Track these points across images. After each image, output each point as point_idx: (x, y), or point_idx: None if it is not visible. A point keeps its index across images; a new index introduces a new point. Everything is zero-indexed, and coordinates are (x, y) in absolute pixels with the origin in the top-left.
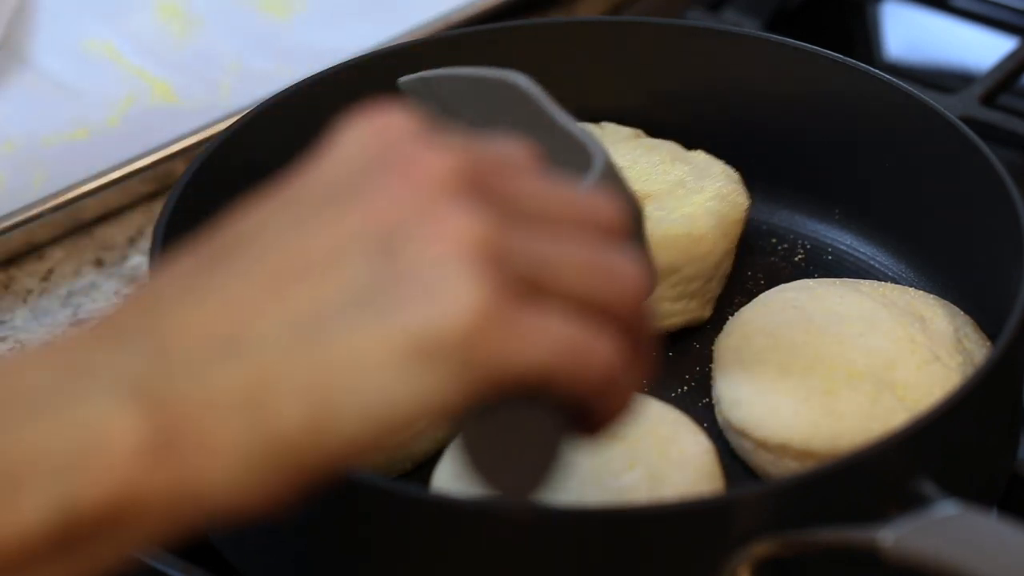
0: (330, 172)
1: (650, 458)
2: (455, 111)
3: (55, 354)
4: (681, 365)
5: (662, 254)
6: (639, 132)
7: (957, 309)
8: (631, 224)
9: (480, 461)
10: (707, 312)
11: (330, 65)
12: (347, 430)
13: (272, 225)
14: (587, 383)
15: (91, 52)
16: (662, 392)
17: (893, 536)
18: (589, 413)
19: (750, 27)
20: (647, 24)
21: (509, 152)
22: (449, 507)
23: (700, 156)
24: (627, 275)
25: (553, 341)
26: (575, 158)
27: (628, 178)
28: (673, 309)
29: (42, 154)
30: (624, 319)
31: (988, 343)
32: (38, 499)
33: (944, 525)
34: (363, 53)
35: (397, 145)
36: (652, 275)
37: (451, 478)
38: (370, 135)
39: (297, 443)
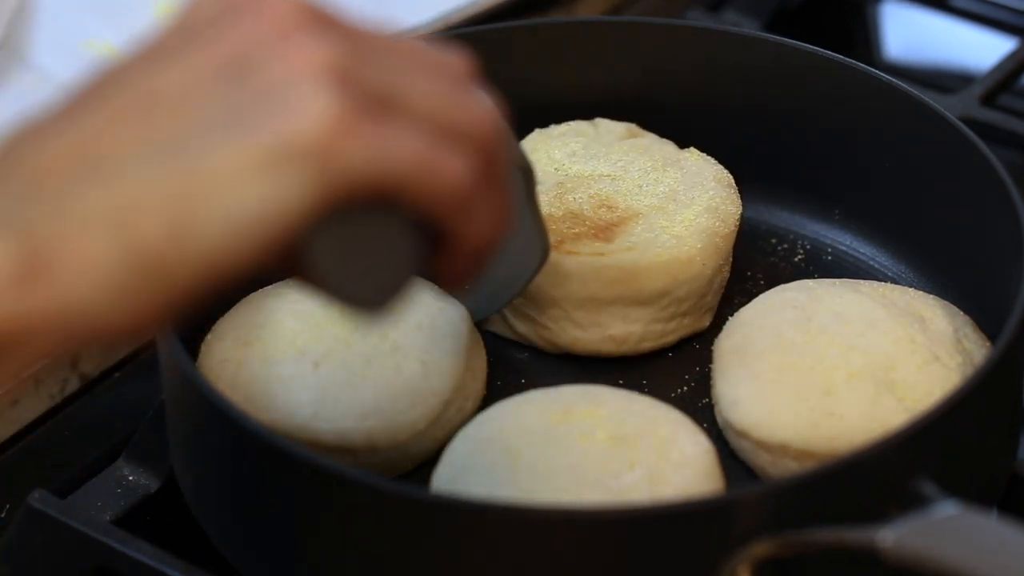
0: (190, 18)
1: (650, 458)
2: None
3: None
4: (681, 365)
5: (653, 279)
6: (633, 128)
7: (957, 309)
8: (478, 73)
9: (331, 269)
10: (705, 322)
11: None
12: (210, 240)
13: (135, 68)
14: (438, 197)
15: (91, 52)
16: (662, 392)
17: (893, 536)
18: (450, 236)
19: (750, 27)
20: (647, 24)
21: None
22: (449, 507)
23: (692, 157)
24: (477, 103)
25: (402, 149)
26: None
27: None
28: (668, 328)
29: None
30: (476, 145)
31: (988, 343)
32: None
33: (944, 525)
34: None
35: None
36: (502, 113)
37: (451, 478)
38: None
39: (161, 255)
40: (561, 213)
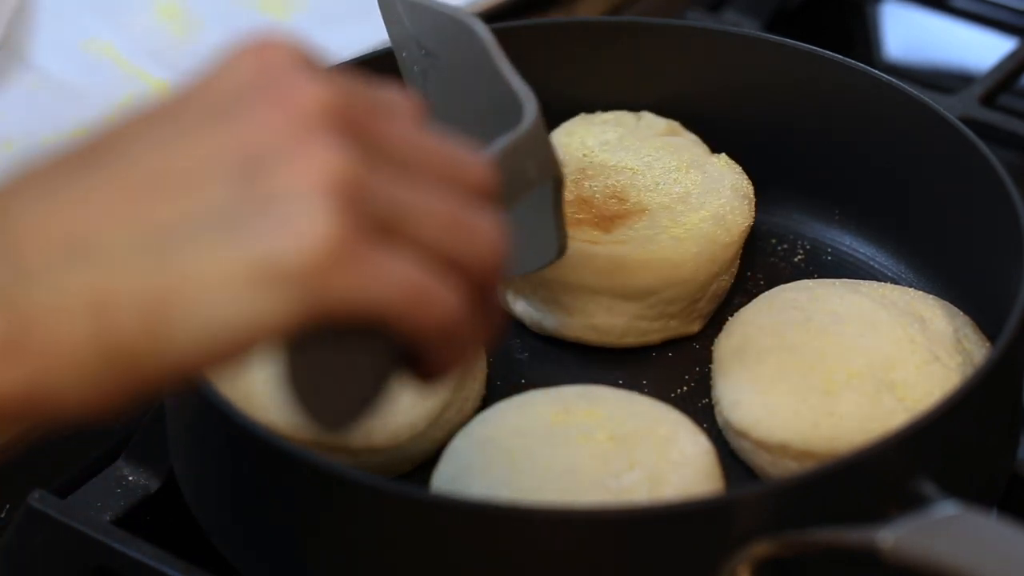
0: (209, 92)
1: (650, 458)
2: (416, 37)
3: None
4: (681, 365)
5: (640, 276)
6: (675, 125)
7: (957, 309)
8: (499, 188)
9: (301, 386)
10: (694, 328)
11: (330, 65)
12: (182, 343)
13: (143, 138)
14: (425, 329)
15: (91, 52)
16: (662, 392)
17: (893, 536)
18: (424, 359)
19: (750, 27)
20: (647, 24)
21: (391, 98)
22: (449, 507)
23: (719, 163)
24: (483, 234)
25: (398, 282)
26: (509, 112)
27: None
28: (652, 327)
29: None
30: (474, 276)
31: (988, 343)
32: None
33: (944, 525)
34: (363, 53)
35: (276, 72)
36: (508, 241)
37: (451, 478)
38: (253, 59)
39: (134, 350)
40: (572, 197)
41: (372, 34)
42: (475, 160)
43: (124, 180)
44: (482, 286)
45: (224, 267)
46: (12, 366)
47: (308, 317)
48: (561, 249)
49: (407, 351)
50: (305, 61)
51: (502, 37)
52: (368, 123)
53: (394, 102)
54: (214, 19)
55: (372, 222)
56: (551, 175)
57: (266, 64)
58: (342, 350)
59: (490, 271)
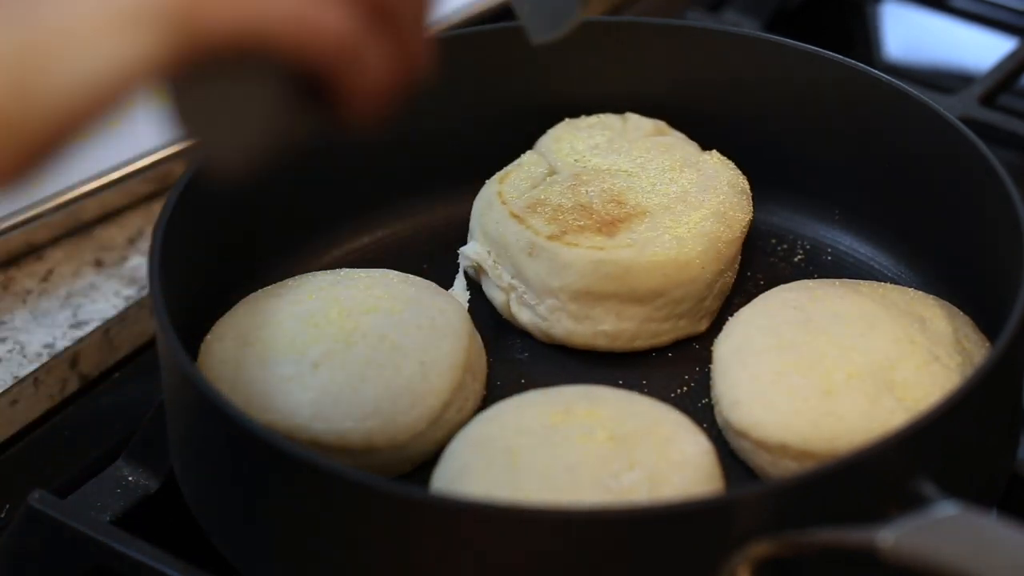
0: None
1: (650, 458)
2: None
3: None
4: (681, 365)
5: (649, 278)
6: (661, 125)
7: (957, 309)
8: None
9: (192, 121)
10: (702, 327)
11: None
12: (55, 96)
13: None
14: (315, 52)
15: None
16: (662, 392)
17: (893, 536)
18: (339, 87)
19: (750, 27)
20: (647, 24)
21: None
22: (449, 507)
23: (712, 160)
24: None
25: (271, 8)
26: None
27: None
28: (661, 329)
29: None
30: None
31: (988, 343)
32: None
33: (944, 525)
34: None
35: None
36: None
37: (451, 478)
38: None
39: (4, 110)
40: (571, 204)
41: None
42: None
43: None
44: (381, 6)
45: (91, 14)
46: None
47: (183, 53)
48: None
49: (313, 82)
50: None
51: (502, 37)
52: None
53: None
54: None
55: None
56: None
57: None
58: (229, 81)
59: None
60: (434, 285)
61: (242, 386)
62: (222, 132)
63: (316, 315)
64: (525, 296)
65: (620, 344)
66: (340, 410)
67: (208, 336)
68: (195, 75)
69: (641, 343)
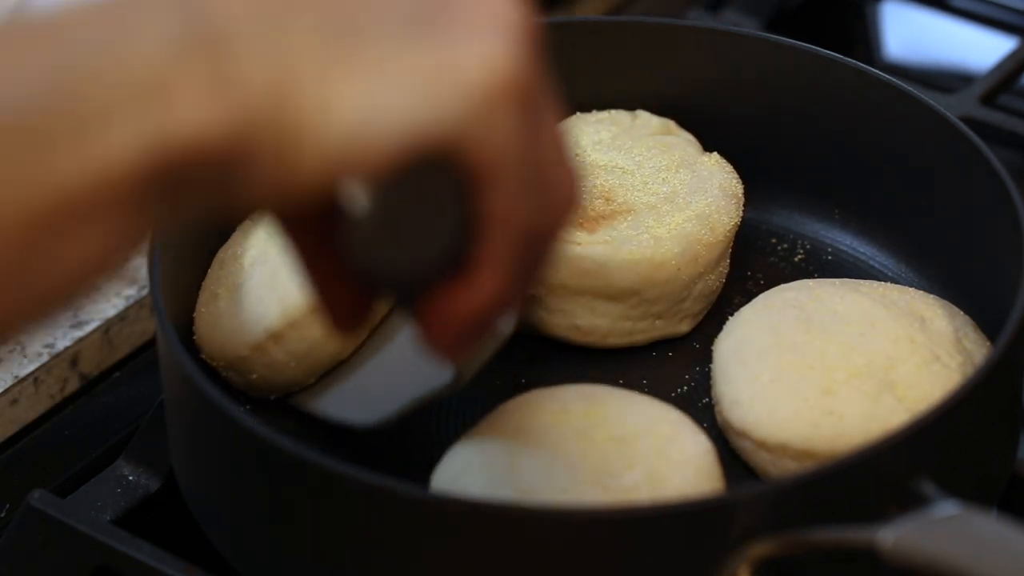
0: None
1: (650, 458)
2: None
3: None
4: (681, 365)
5: (621, 276)
6: (669, 124)
7: (957, 309)
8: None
9: (383, 228)
10: (682, 328)
11: None
12: (324, 138)
13: None
14: (496, 218)
15: None
16: (662, 392)
17: (893, 536)
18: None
19: (750, 27)
20: (647, 24)
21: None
22: (449, 507)
23: (710, 162)
24: (573, 181)
25: (510, 149)
26: None
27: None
28: (637, 328)
29: None
30: (558, 208)
31: (988, 343)
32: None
33: (944, 525)
34: None
35: None
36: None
37: (451, 478)
38: None
39: (271, 135)
40: None
41: None
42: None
43: None
44: (547, 235)
45: (398, 71)
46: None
47: (443, 140)
48: (457, 381)
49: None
50: None
51: None
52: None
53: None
54: None
55: (538, 75)
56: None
57: None
58: (418, 192)
59: (570, 211)
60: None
61: (225, 324)
62: (401, 247)
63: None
64: None
65: (593, 340)
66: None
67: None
68: (399, 180)
69: (615, 340)
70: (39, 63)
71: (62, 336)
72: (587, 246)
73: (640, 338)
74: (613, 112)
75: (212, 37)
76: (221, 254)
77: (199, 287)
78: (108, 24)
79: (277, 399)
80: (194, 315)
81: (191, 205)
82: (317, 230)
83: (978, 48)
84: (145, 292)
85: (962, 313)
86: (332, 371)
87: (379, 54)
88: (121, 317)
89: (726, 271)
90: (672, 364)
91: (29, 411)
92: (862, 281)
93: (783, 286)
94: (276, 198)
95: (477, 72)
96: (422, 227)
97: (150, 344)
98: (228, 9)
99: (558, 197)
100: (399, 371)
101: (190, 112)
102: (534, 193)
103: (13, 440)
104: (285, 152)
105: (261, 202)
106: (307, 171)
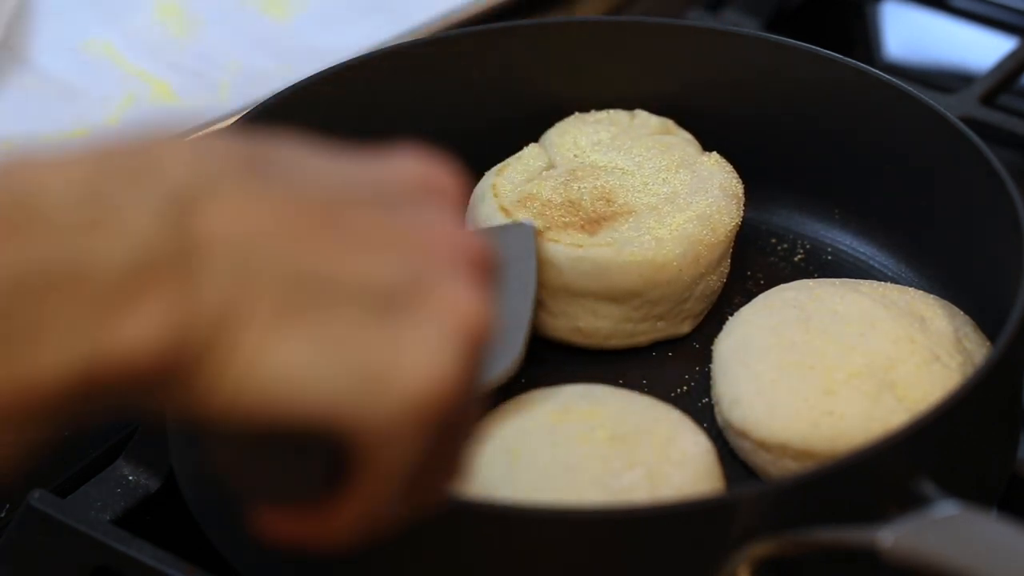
0: (380, 175)
1: (650, 458)
2: None
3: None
4: (681, 365)
5: (623, 278)
6: (668, 124)
7: (957, 309)
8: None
9: (232, 466)
10: (684, 329)
11: (330, 65)
12: (233, 390)
13: (336, 173)
14: (385, 473)
15: (91, 52)
16: (662, 392)
17: (893, 536)
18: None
19: (750, 27)
20: (647, 24)
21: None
22: (449, 507)
23: (709, 162)
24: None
25: (419, 462)
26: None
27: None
28: (639, 329)
29: None
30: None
31: (988, 343)
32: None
33: (944, 525)
34: (363, 53)
35: (436, 206)
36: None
37: None
38: (412, 174)
39: (191, 370)
40: (560, 200)
41: (372, 34)
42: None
43: (317, 198)
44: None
45: (341, 342)
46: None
47: (343, 423)
48: (521, 355)
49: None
50: (457, 203)
51: (502, 37)
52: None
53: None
54: (214, 18)
55: (470, 391)
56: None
57: (422, 186)
58: (290, 452)
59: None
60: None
61: None
62: (255, 484)
63: None
64: None
65: (595, 342)
66: None
67: None
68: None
69: (617, 342)
70: (6, 258)
71: None
72: (589, 248)
73: (642, 339)
74: (612, 112)
75: (186, 258)
76: None
77: None
78: (87, 223)
79: None
80: None
81: (103, 408)
82: None
83: (978, 48)
84: None
85: (962, 313)
86: None
87: (331, 322)
88: None
89: (727, 271)
90: (672, 364)
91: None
92: (862, 281)
93: (783, 286)
94: (181, 414)
95: (411, 381)
96: (283, 466)
97: None
98: (212, 228)
99: (425, 496)
100: None
101: (135, 330)
102: (403, 489)
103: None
104: (203, 382)
105: (171, 412)
106: (216, 405)
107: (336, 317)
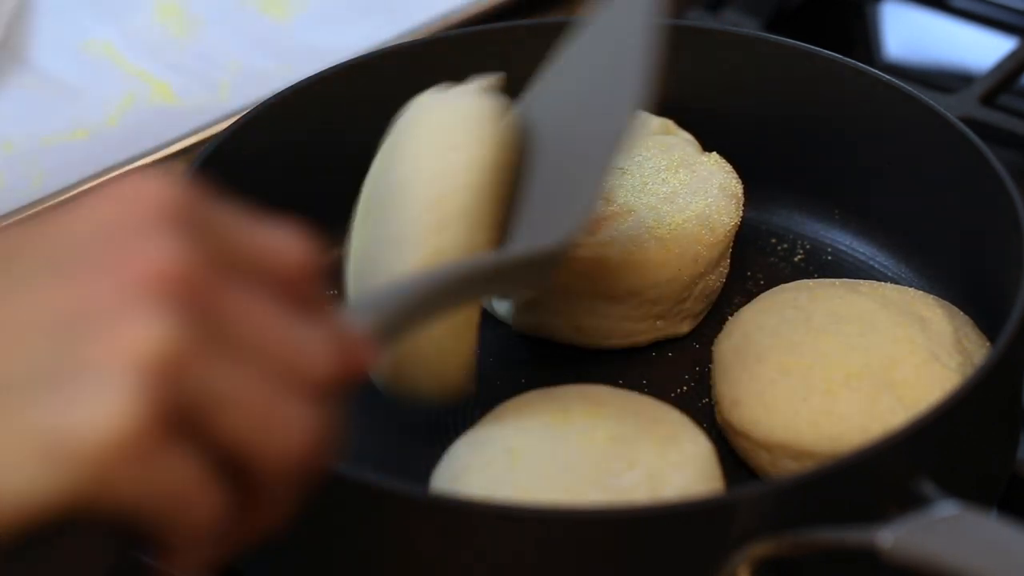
0: (53, 239)
1: (650, 458)
2: None
3: None
4: (681, 365)
5: (622, 277)
6: (668, 124)
7: (957, 309)
8: (349, 375)
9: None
10: (683, 328)
11: (330, 65)
12: None
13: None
14: (177, 531)
15: (91, 52)
16: (662, 392)
17: (893, 536)
18: (160, 547)
19: (750, 27)
20: None
21: (270, 249)
22: (449, 507)
23: (709, 162)
24: (291, 435)
25: (172, 491)
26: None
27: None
28: (638, 328)
29: (42, 154)
30: (265, 476)
31: (988, 343)
32: None
33: (944, 525)
34: (363, 53)
35: (128, 228)
36: (328, 441)
37: (451, 478)
38: (111, 208)
39: None
40: None
41: (372, 34)
42: (326, 350)
43: None
44: (269, 486)
45: (14, 434)
46: None
47: (74, 503)
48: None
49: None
50: (172, 214)
51: (502, 37)
52: (214, 294)
53: (269, 256)
54: (214, 18)
55: (175, 413)
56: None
57: (121, 216)
58: (74, 531)
59: (282, 474)
60: None
61: None
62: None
63: None
64: None
65: (594, 341)
66: None
67: None
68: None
69: (616, 341)
70: None
71: None
72: (588, 247)
73: (641, 339)
74: None
75: None
76: None
77: None
78: None
79: None
80: None
81: None
82: None
83: (978, 48)
84: None
85: (962, 313)
86: None
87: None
88: None
89: (726, 271)
90: (672, 364)
91: None
92: (862, 281)
93: (783, 286)
94: None
95: (89, 434)
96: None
97: None
98: None
99: (271, 459)
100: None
101: None
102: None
103: None
104: None
105: None
106: None
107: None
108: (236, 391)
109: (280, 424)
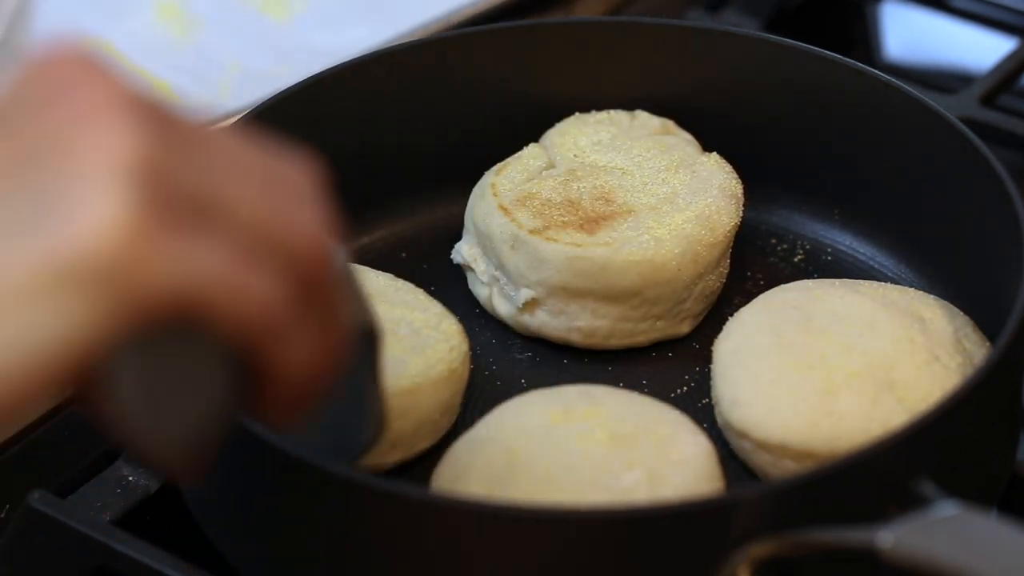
0: (11, 91)
1: (650, 458)
2: None
3: None
4: (681, 365)
5: (622, 277)
6: (668, 124)
7: (957, 309)
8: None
9: (130, 403)
10: (683, 328)
11: (330, 65)
12: None
13: None
14: (245, 320)
15: None
16: (662, 392)
17: (893, 536)
18: (266, 367)
19: (750, 27)
20: (647, 24)
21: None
22: (449, 507)
23: (709, 162)
24: (302, 219)
25: (202, 267)
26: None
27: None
28: (638, 328)
29: None
30: (294, 263)
31: (988, 343)
32: None
33: (944, 525)
34: (363, 53)
35: (77, 69)
36: (334, 235)
37: (451, 478)
38: (61, 62)
39: None
40: (560, 199)
41: (372, 34)
42: (294, 162)
43: None
44: (305, 278)
45: (16, 272)
46: None
47: (118, 321)
48: (378, 429)
49: (246, 365)
50: (111, 71)
51: (502, 37)
52: (173, 119)
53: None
54: (214, 19)
55: (176, 202)
56: (359, 323)
57: (70, 65)
58: (169, 358)
59: (313, 257)
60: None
61: None
62: (160, 416)
63: None
64: (506, 288)
65: (595, 341)
66: None
67: None
68: (131, 347)
69: (616, 342)
70: None
71: None
72: (587, 248)
73: (641, 339)
74: (612, 112)
75: None
76: None
77: None
78: None
79: None
80: None
81: None
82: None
83: (978, 48)
84: None
85: (962, 313)
86: None
87: None
88: None
89: (726, 271)
90: (672, 364)
91: (29, 411)
92: (862, 281)
93: (783, 286)
94: None
95: (90, 243)
96: (180, 389)
97: None
98: None
99: (293, 245)
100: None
101: None
102: (261, 278)
103: (13, 440)
104: None
105: None
106: None
107: None
108: (235, 187)
109: (294, 210)
